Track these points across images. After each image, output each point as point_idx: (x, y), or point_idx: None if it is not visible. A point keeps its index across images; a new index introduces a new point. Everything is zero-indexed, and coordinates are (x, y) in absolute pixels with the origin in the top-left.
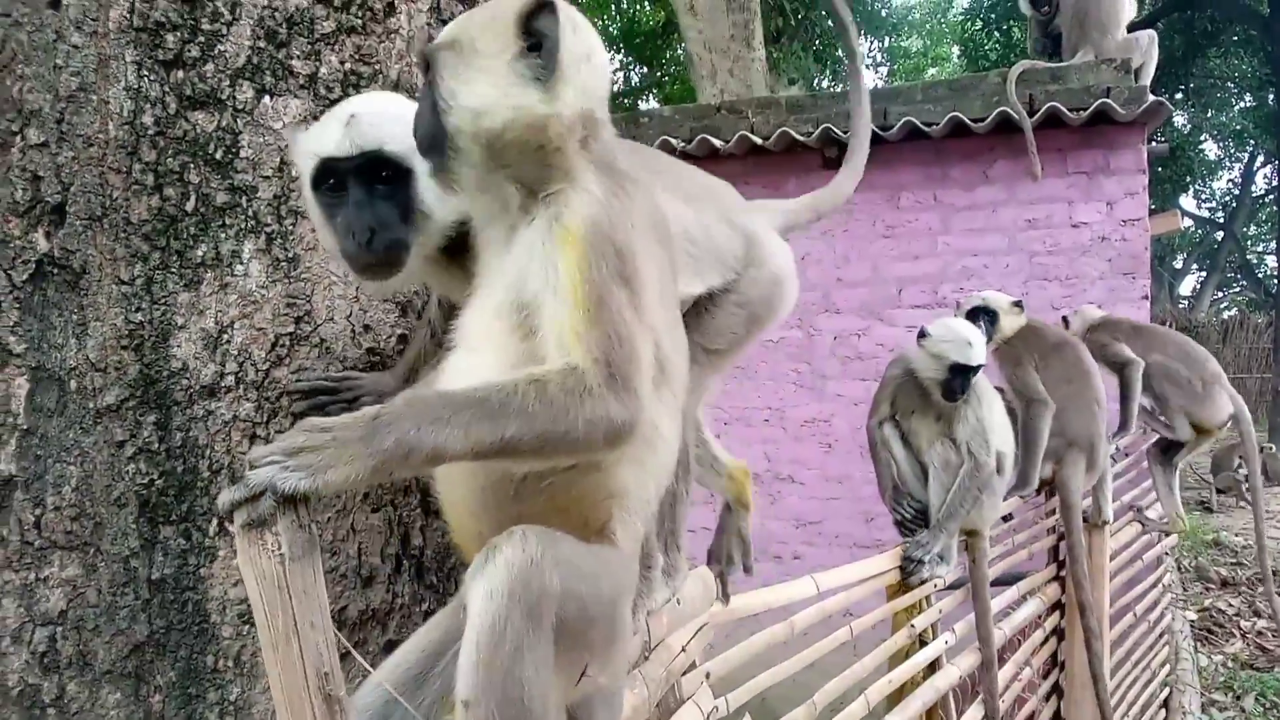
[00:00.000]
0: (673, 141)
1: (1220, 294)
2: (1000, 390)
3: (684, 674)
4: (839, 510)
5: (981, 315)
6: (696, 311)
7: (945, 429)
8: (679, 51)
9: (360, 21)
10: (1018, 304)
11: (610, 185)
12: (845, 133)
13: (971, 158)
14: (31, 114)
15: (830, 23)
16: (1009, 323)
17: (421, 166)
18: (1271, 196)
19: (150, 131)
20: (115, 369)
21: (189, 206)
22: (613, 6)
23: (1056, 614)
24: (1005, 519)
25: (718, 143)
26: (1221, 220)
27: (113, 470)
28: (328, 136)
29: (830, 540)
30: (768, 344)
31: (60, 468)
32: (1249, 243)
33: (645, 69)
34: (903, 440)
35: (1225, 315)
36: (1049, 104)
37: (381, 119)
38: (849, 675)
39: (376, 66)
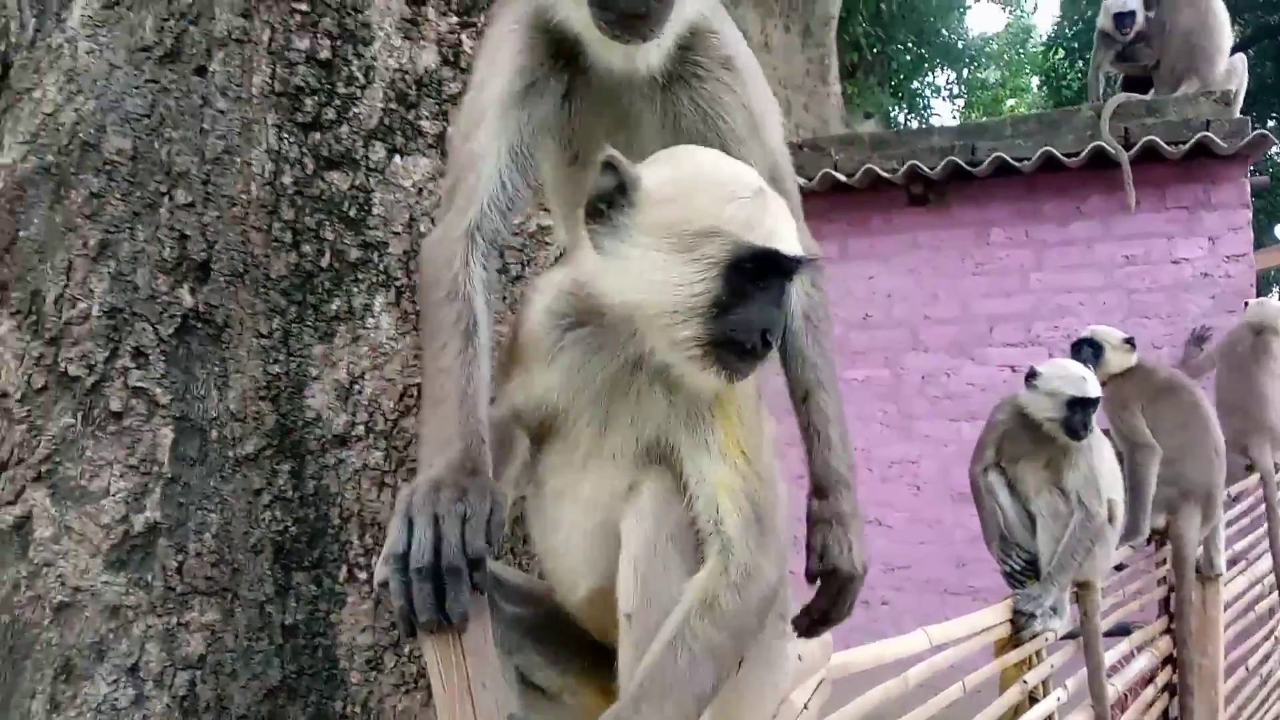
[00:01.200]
0: None
1: None
2: (1106, 433)
3: None
4: (929, 555)
5: (1086, 347)
6: None
7: (1054, 476)
8: None
9: None
10: (1129, 341)
11: None
12: (931, 169)
13: (1064, 193)
14: (179, 175)
15: (907, 57)
16: (1116, 359)
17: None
18: None
19: (289, 191)
20: (254, 419)
21: (324, 262)
22: None
23: (1169, 668)
24: (1117, 569)
25: (802, 180)
26: None
27: (250, 517)
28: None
29: (920, 586)
30: (854, 383)
31: (201, 515)
32: None
33: None
34: (1009, 488)
35: None
36: (1146, 138)
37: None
38: None
39: None
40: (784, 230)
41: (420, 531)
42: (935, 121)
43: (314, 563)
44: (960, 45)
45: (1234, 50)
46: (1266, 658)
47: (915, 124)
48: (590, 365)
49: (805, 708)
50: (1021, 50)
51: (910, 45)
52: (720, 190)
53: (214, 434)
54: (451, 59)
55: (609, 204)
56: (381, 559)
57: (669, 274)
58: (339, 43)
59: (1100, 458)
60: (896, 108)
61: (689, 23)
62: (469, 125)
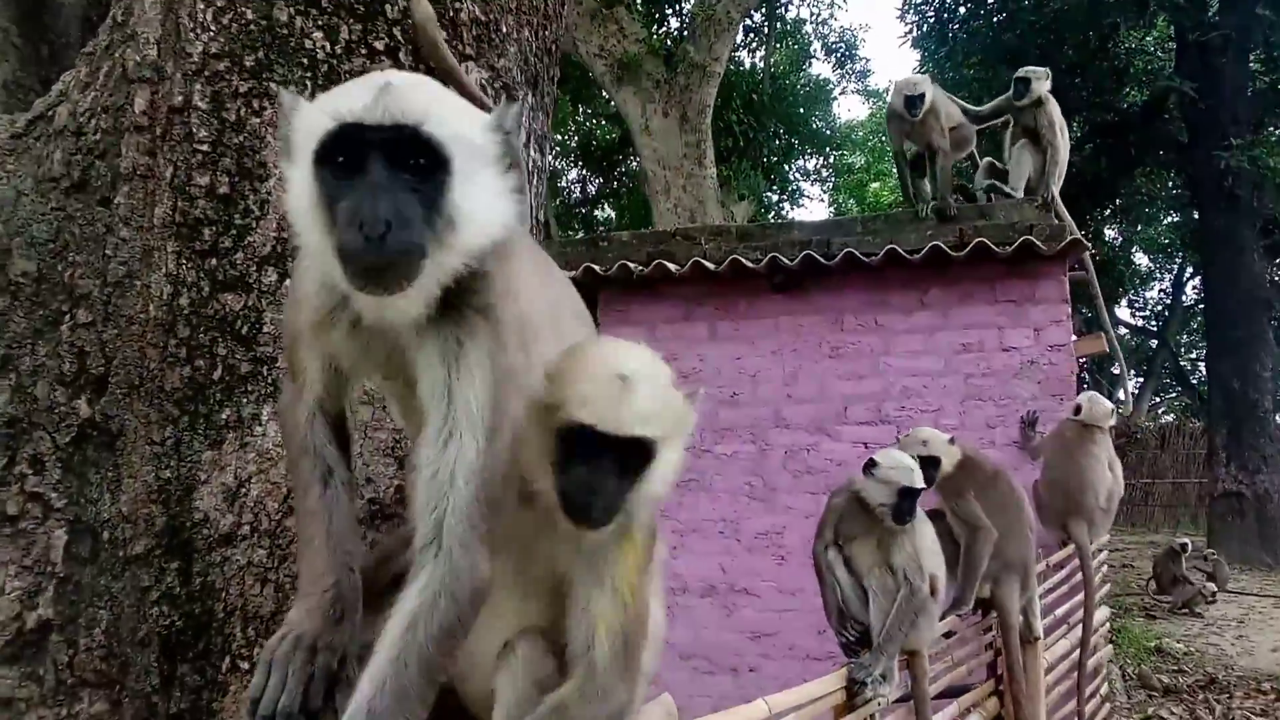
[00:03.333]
0: (630, 265)
1: (1157, 399)
2: (938, 515)
3: None
4: (793, 622)
5: (930, 465)
6: None
7: (884, 555)
8: (634, 165)
9: None
10: (951, 440)
11: None
12: (791, 260)
13: (909, 285)
14: (81, 297)
15: (777, 142)
16: (949, 462)
17: (462, 161)
18: (1200, 307)
19: (185, 311)
20: (145, 520)
21: (216, 375)
22: (570, 121)
23: None
24: (946, 635)
25: (672, 267)
26: (1156, 329)
27: (139, 613)
28: (353, 100)
29: (784, 652)
30: (722, 457)
31: (92, 611)
32: (1182, 350)
33: (601, 180)
34: (845, 564)
35: (1162, 421)
36: (977, 239)
37: (421, 92)
38: None
39: None
40: (609, 411)
41: (272, 684)
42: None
43: (198, 654)
44: (828, 133)
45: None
46: (1094, 715)
47: (787, 205)
48: (520, 515)
49: None
50: (884, 137)
51: (781, 132)
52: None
53: (106, 535)
54: None
55: None
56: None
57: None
58: (237, 179)
59: (922, 537)
60: (770, 190)
61: (455, 271)
62: (290, 336)
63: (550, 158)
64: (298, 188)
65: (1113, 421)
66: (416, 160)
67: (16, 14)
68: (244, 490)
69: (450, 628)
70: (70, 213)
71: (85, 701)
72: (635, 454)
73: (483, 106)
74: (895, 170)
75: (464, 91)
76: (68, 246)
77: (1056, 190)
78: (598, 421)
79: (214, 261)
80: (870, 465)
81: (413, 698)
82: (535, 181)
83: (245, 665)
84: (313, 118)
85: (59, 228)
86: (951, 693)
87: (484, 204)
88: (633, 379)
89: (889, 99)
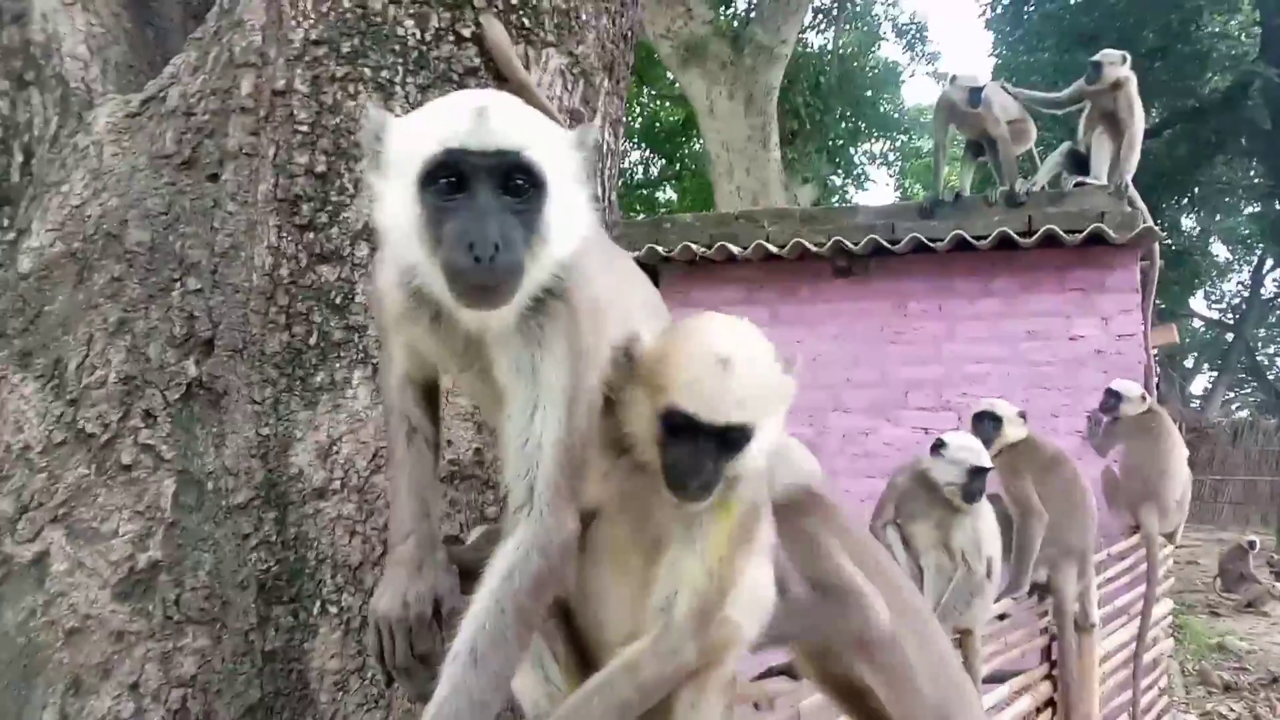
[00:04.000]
0: (693, 246)
1: (1231, 394)
2: (994, 498)
3: None
4: None
5: (987, 419)
6: None
7: (942, 535)
8: (697, 147)
9: None
10: (1022, 414)
11: None
12: (855, 244)
13: (975, 272)
14: (190, 266)
15: (844, 125)
16: (1012, 431)
17: (556, 182)
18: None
19: (285, 281)
20: (245, 474)
21: (312, 341)
22: (636, 102)
23: (1049, 711)
24: (1001, 618)
25: (735, 249)
26: (1232, 322)
27: (239, 558)
28: (456, 125)
29: None
30: None
31: (197, 555)
32: (1259, 344)
33: (665, 162)
34: (903, 543)
35: (1236, 417)
36: (1047, 226)
37: (518, 116)
38: None
39: None
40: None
41: (385, 642)
42: (870, 188)
43: (292, 598)
44: (896, 116)
45: (1149, 134)
46: (1151, 706)
47: (852, 189)
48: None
49: None
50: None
51: (848, 115)
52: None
53: (210, 485)
54: None
55: None
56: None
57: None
58: (333, 158)
59: (984, 520)
60: (835, 174)
61: (542, 284)
62: (379, 318)
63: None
64: (395, 205)
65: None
66: (518, 184)
67: (125, 0)
68: (335, 448)
69: (541, 578)
70: (181, 187)
71: (189, 637)
72: (735, 434)
73: (550, 115)
74: (934, 161)
75: (535, 103)
76: (178, 219)
77: (1129, 177)
78: (699, 410)
79: (311, 235)
80: (939, 445)
81: (510, 640)
82: (610, 164)
83: (334, 610)
84: (412, 140)
85: (170, 201)
86: (998, 677)
87: (571, 219)
88: (733, 361)
89: (945, 90)
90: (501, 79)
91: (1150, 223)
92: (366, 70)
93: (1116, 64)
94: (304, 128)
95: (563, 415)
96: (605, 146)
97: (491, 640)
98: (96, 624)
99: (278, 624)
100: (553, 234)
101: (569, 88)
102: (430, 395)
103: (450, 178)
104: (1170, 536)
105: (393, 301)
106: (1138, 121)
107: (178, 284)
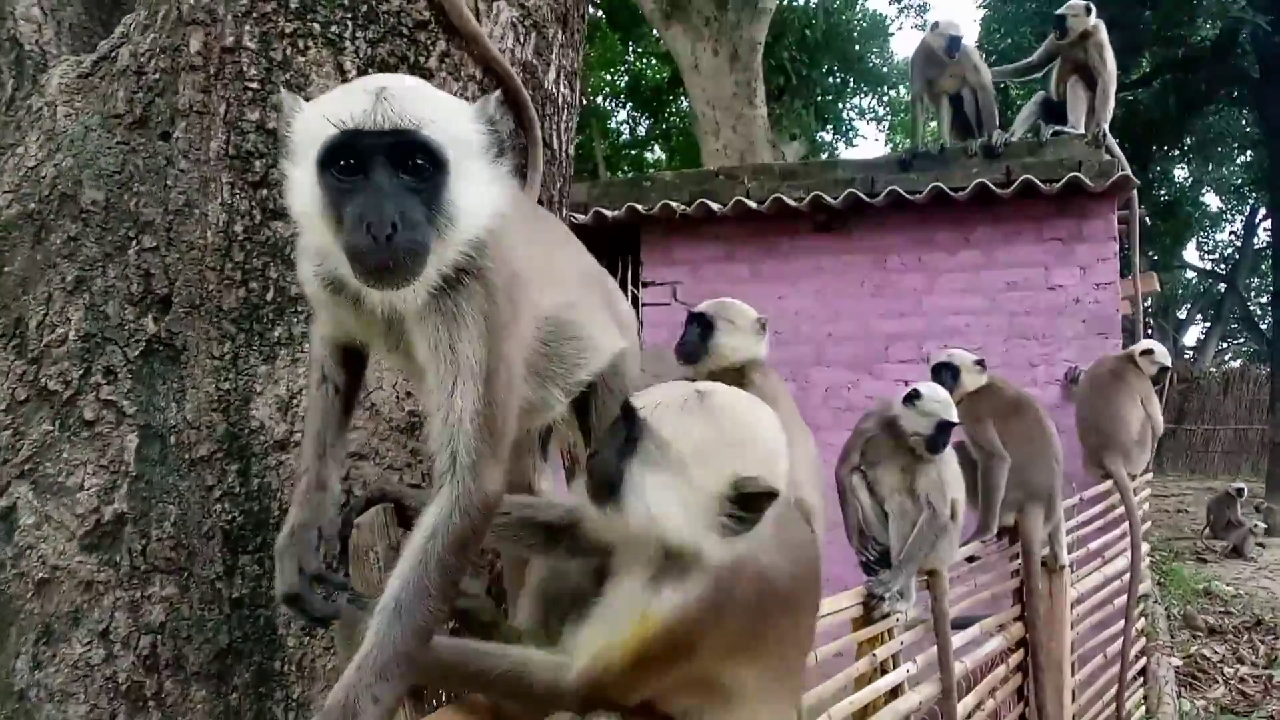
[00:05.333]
0: (673, 204)
1: (1224, 345)
2: (959, 444)
3: None
4: (832, 555)
5: (945, 370)
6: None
7: (908, 481)
8: (684, 105)
9: None
10: (980, 363)
11: None
12: (835, 199)
13: (954, 224)
14: (145, 223)
15: (831, 80)
16: (970, 379)
17: (457, 159)
18: (1271, 249)
19: (240, 237)
20: (207, 427)
21: (268, 297)
22: (621, 61)
23: (1021, 650)
24: (970, 560)
25: (715, 206)
26: (1225, 272)
27: (203, 509)
28: (353, 106)
29: (826, 584)
30: None
31: (162, 506)
32: (1251, 294)
33: (651, 121)
34: (868, 489)
35: (1227, 367)
36: (1024, 176)
37: (417, 95)
38: (810, 696)
39: None
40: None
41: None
42: (860, 143)
43: (257, 547)
44: (884, 70)
45: (1141, 83)
46: (1133, 648)
47: (841, 145)
48: None
49: None
50: None
51: (835, 70)
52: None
53: (173, 439)
54: None
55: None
56: None
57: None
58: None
59: (947, 465)
60: (822, 130)
61: (454, 260)
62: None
63: (600, 99)
64: (301, 188)
65: (1152, 371)
66: (416, 163)
67: None
68: (295, 401)
69: (463, 537)
70: (134, 146)
71: (157, 586)
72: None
73: (503, 69)
74: (912, 112)
75: (488, 56)
76: (132, 178)
77: (1106, 125)
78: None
79: (264, 191)
80: (914, 396)
81: (433, 594)
82: (566, 118)
83: None
84: (314, 123)
85: (124, 160)
86: (971, 621)
87: (478, 195)
88: (388, 84)
89: (925, 39)
90: (452, 32)
91: (1128, 171)
92: (315, 25)
93: (1081, 15)
94: (254, 84)
95: (481, 389)
96: (561, 100)
97: (415, 594)
98: (65, 574)
99: (244, 572)
100: (459, 212)
101: (521, 40)
102: (353, 353)
103: (349, 159)
104: (1144, 469)
105: (314, 288)
106: (1110, 69)
107: (134, 242)
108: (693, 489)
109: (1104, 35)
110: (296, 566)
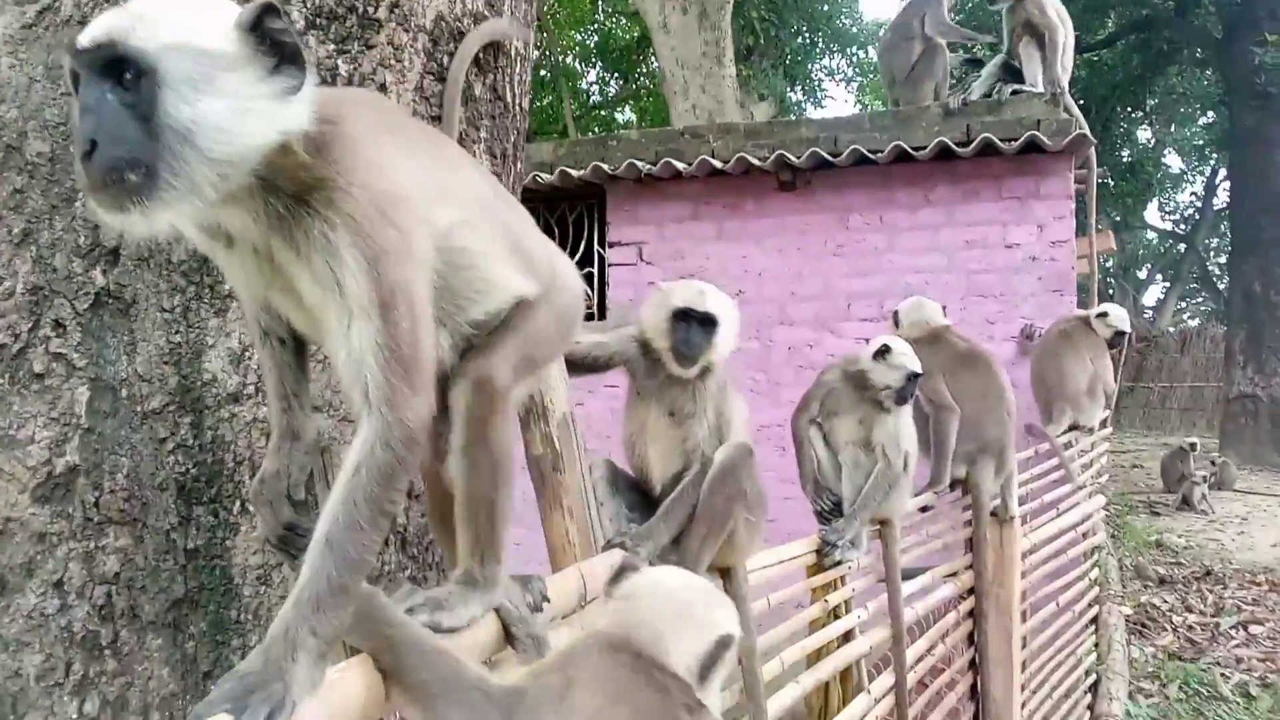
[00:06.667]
0: (638, 164)
1: (1183, 304)
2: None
3: None
4: (792, 509)
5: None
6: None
7: (864, 433)
8: (654, 66)
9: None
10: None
11: None
12: (798, 158)
13: (914, 183)
14: None
15: (799, 41)
16: (905, 319)
17: (183, 69)
18: (1230, 210)
19: None
20: (158, 380)
21: None
22: (590, 20)
23: (973, 597)
24: (923, 510)
25: (680, 165)
26: (1185, 232)
27: (156, 461)
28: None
29: (784, 538)
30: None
31: (114, 459)
32: (1211, 254)
33: (621, 81)
34: (824, 440)
35: (1184, 325)
36: (984, 135)
37: (141, 11)
38: (764, 639)
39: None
40: None
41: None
42: (829, 104)
43: (212, 498)
44: (854, 30)
45: (1103, 45)
46: (1081, 596)
47: (810, 106)
48: None
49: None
50: None
51: (804, 30)
52: None
53: (124, 392)
54: (329, 81)
55: None
56: None
57: None
58: None
59: (903, 417)
60: (791, 90)
61: (221, 182)
62: None
63: (570, 58)
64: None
65: (1107, 334)
66: (125, 77)
67: None
68: (247, 355)
69: (388, 470)
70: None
71: (111, 537)
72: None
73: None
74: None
75: None
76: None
77: (1065, 82)
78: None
79: None
80: (885, 350)
81: (364, 528)
82: (520, 68)
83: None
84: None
85: (68, 111)
86: (911, 574)
87: (229, 109)
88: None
89: None
90: None
91: (1085, 130)
92: None
93: None
94: None
95: (378, 323)
96: (514, 51)
97: (345, 528)
98: (18, 526)
99: (199, 523)
100: (195, 127)
101: None
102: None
103: (77, 85)
104: (1101, 424)
105: (196, 239)
106: (1058, 25)
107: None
108: None
109: None
110: (271, 512)
